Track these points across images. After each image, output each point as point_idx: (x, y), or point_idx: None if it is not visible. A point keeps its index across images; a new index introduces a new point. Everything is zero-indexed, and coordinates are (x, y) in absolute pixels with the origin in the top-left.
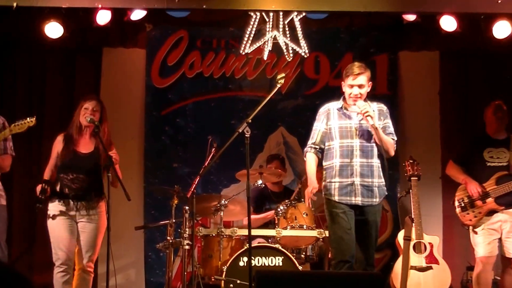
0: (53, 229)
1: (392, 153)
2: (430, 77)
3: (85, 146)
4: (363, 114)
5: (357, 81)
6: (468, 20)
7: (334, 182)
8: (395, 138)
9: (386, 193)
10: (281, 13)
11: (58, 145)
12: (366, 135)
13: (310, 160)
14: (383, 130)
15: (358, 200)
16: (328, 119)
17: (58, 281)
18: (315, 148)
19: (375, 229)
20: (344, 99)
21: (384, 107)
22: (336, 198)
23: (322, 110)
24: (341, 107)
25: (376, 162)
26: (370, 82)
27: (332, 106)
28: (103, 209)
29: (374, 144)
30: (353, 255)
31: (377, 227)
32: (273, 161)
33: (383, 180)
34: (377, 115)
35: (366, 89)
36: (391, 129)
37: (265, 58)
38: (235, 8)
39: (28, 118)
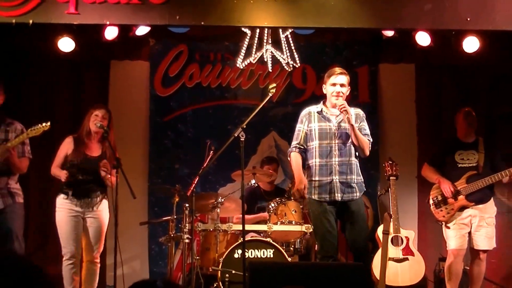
0: (61, 225)
1: (367, 152)
2: (407, 87)
3: (94, 150)
4: (340, 109)
5: (339, 80)
6: (441, 36)
7: (314, 180)
8: (371, 140)
9: (365, 189)
10: (265, 30)
11: (67, 146)
12: (344, 136)
13: (295, 158)
14: (359, 131)
15: (338, 196)
16: (310, 121)
17: (67, 272)
18: (299, 148)
19: (361, 219)
20: (324, 103)
21: (361, 112)
22: (316, 196)
23: (304, 113)
24: (321, 110)
25: (354, 160)
26: (349, 87)
27: (313, 110)
28: (106, 206)
29: (351, 144)
30: (336, 249)
31: (363, 217)
32: (271, 163)
33: (361, 177)
34: (354, 118)
35: (347, 89)
36: (367, 131)
37: (270, 70)
38: (230, 25)
39: (43, 123)
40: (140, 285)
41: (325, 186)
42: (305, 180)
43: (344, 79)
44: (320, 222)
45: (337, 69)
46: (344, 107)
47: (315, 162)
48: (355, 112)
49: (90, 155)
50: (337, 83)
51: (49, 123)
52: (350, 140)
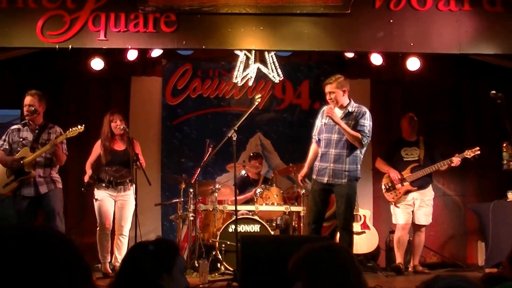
0: (100, 208)
1: (358, 144)
2: (364, 97)
3: (118, 145)
4: (327, 114)
5: (327, 89)
6: (390, 57)
7: (317, 164)
8: (367, 134)
9: (359, 176)
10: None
11: (99, 148)
12: (341, 132)
13: (311, 149)
14: (354, 126)
15: (330, 180)
16: (322, 118)
17: (101, 241)
18: (314, 138)
19: (345, 201)
20: None
21: (362, 109)
22: (315, 176)
23: (321, 110)
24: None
25: (347, 152)
26: (344, 89)
27: (326, 108)
28: (132, 191)
29: (346, 139)
30: (318, 220)
31: (347, 200)
32: (257, 158)
33: (355, 166)
34: (354, 115)
35: (336, 95)
36: (363, 127)
37: (277, 81)
38: (226, 48)
39: (79, 126)
40: (136, 249)
41: (323, 171)
42: (304, 171)
43: (329, 87)
44: (311, 196)
45: (326, 81)
46: (328, 112)
47: (320, 150)
48: (358, 110)
49: (116, 150)
50: (327, 92)
51: (83, 126)
52: (345, 136)
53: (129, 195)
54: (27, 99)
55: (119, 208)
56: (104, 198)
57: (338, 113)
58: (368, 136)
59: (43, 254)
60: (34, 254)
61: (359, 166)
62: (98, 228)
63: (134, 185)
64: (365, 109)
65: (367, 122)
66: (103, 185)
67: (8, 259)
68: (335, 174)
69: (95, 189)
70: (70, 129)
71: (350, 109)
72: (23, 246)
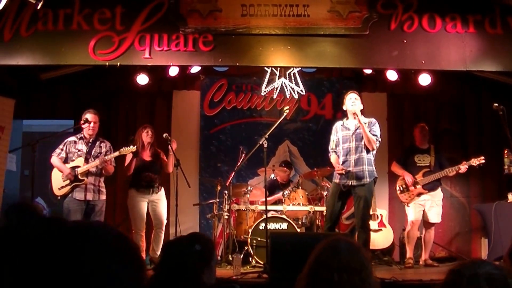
0: (133, 210)
1: (373, 146)
2: (381, 109)
3: (147, 156)
4: (354, 114)
5: (354, 96)
6: (404, 73)
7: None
8: (379, 139)
9: (376, 176)
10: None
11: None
12: (358, 139)
13: (332, 157)
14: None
15: (353, 182)
16: (337, 132)
17: (137, 241)
18: (332, 150)
19: (362, 202)
20: (346, 117)
21: (373, 120)
22: (337, 180)
23: (334, 127)
24: (343, 123)
25: (365, 155)
26: (362, 104)
27: (338, 124)
28: (163, 194)
29: (363, 144)
30: (333, 220)
31: (365, 201)
32: (288, 166)
33: (371, 167)
34: (366, 124)
35: (359, 102)
36: (376, 132)
37: (287, 96)
38: (257, 65)
39: (131, 146)
40: (181, 246)
41: (345, 175)
42: (337, 165)
43: (356, 95)
44: (329, 198)
45: (351, 91)
46: (355, 112)
47: (341, 159)
48: (368, 120)
49: (145, 160)
50: (351, 98)
51: (135, 147)
52: (362, 141)
53: (159, 196)
54: (92, 117)
55: (154, 210)
56: (138, 204)
57: (352, 124)
58: (379, 141)
59: (104, 248)
60: (96, 248)
61: (374, 167)
62: (133, 231)
63: (162, 189)
64: (375, 120)
65: (378, 130)
66: (137, 190)
67: (70, 254)
68: (357, 176)
69: (129, 192)
70: (123, 148)
71: (363, 120)
72: (85, 241)
